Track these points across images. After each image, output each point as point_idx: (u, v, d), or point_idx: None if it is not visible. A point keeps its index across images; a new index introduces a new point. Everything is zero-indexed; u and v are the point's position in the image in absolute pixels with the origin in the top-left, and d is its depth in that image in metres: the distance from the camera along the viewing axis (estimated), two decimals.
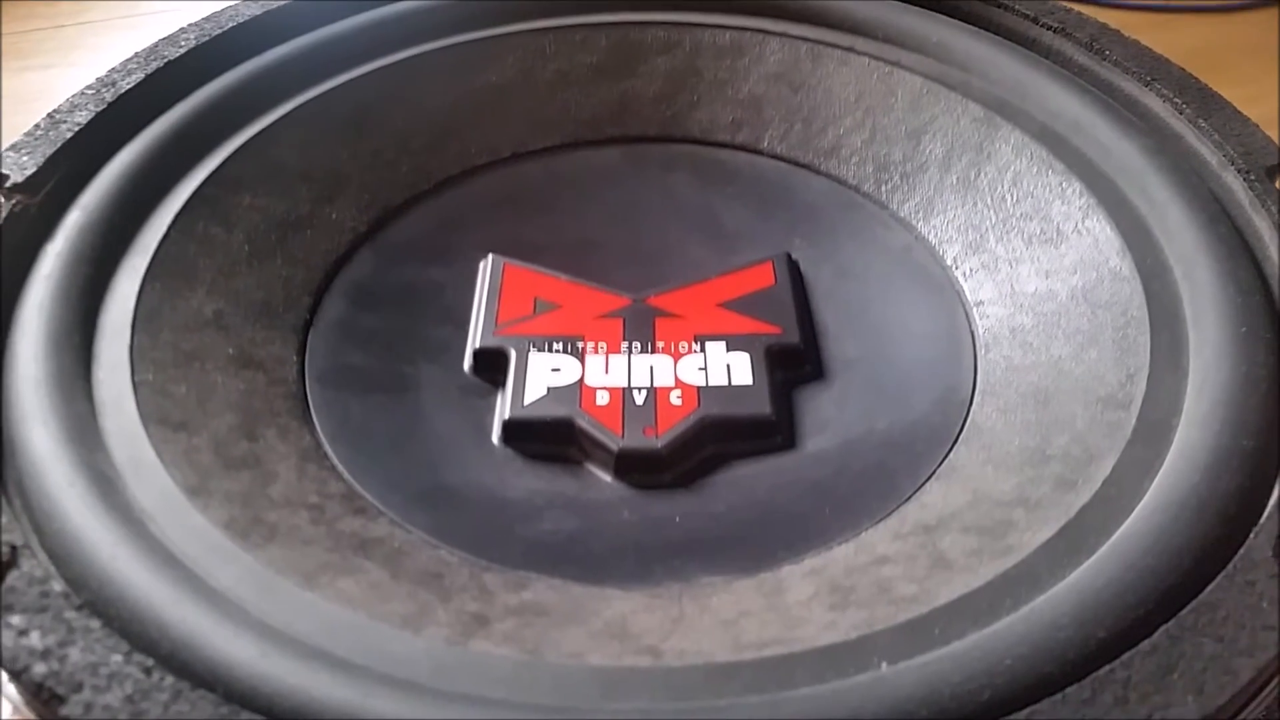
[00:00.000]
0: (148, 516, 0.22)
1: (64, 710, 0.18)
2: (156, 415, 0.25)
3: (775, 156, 0.37)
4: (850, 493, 0.27)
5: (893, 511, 0.26)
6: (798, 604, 0.23)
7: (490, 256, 0.33)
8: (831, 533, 0.26)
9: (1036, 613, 0.20)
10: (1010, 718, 0.18)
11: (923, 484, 0.27)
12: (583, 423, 0.28)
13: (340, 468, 0.27)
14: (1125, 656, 0.19)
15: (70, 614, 0.20)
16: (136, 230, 0.29)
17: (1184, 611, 0.20)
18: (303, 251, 0.32)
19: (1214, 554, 0.21)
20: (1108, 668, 0.19)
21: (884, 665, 0.20)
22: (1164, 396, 0.25)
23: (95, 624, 0.20)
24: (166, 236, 0.29)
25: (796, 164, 0.37)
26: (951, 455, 0.27)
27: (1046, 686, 0.19)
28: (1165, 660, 0.19)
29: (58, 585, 0.20)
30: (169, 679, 0.19)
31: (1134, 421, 0.25)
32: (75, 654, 0.19)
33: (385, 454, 0.28)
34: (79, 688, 0.19)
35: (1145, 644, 0.19)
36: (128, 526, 0.22)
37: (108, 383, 0.25)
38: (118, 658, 0.19)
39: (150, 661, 0.19)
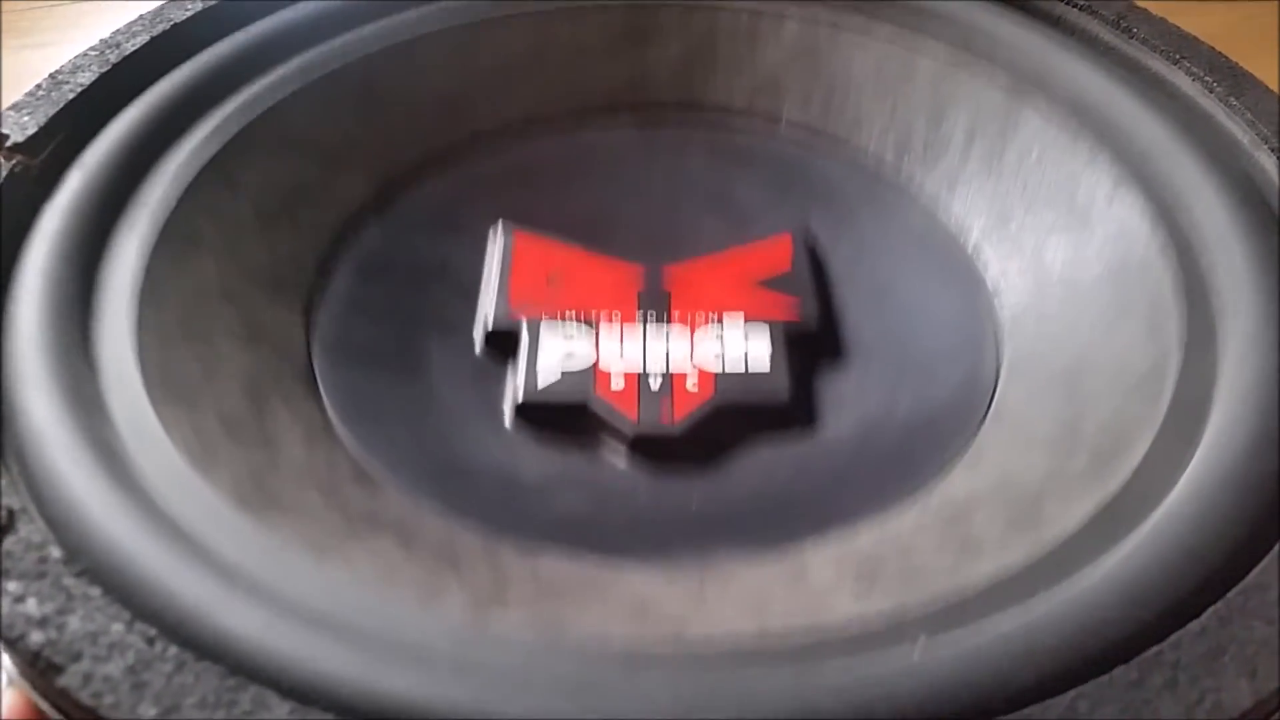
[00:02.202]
0: (151, 485, 0.21)
1: (61, 680, 0.17)
2: (160, 384, 0.24)
3: (792, 135, 0.36)
4: (873, 475, 0.26)
5: (919, 493, 0.25)
6: (823, 585, 0.22)
7: (500, 223, 0.32)
8: (855, 514, 0.25)
9: (1077, 593, 0.20)
10: (1054, 699, 0.17)
11: (949, 465, 0.26)
12: (598, 408, 0.28)
13: (349, 442, 0.26)
14: (1173, 638, 0.18)
15: (69, 581, 0.19)
16: (140, 193, 0.28)
17: (1232, 593, 0.19)
18: (310, 221, 0.31)
19: (1259, 535, 0.20)
20: (1155, 649, 0.18)
21: (918, 648, 0.19)
22: (1198, 378, 0.24)
23: (95, 591, 0.19)
24: (173, 202, 0.28)
25: (814, 143, 0.36)
26: (978, 437, 0.27)
27: (1091, 668, 0.18)
28: (1215, 642, 0.18)
29: (56, 551, 0.19)
30: (173, 649, 0.18)
31: (1168, 403, 0.24)
32: (74, 622, 0.18)
33: (394, 430, 0.27)
34: (78, 657, 0.18)
35: (1194, 625, 0.18)
36: (130, 494, 0.21)
37: (110, 349, 0.24)
38: (119, 626, 0.18)
39: (153, 631, 0.18)
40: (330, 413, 0.27)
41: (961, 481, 0.25)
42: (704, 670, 0.19)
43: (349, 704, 0.18)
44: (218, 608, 0.19)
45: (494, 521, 0.25)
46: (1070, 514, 0.22)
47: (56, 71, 0.30)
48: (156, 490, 0.21)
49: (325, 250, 0.31)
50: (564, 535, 0.25)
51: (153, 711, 0.17)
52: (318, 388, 0.27)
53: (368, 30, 0.35)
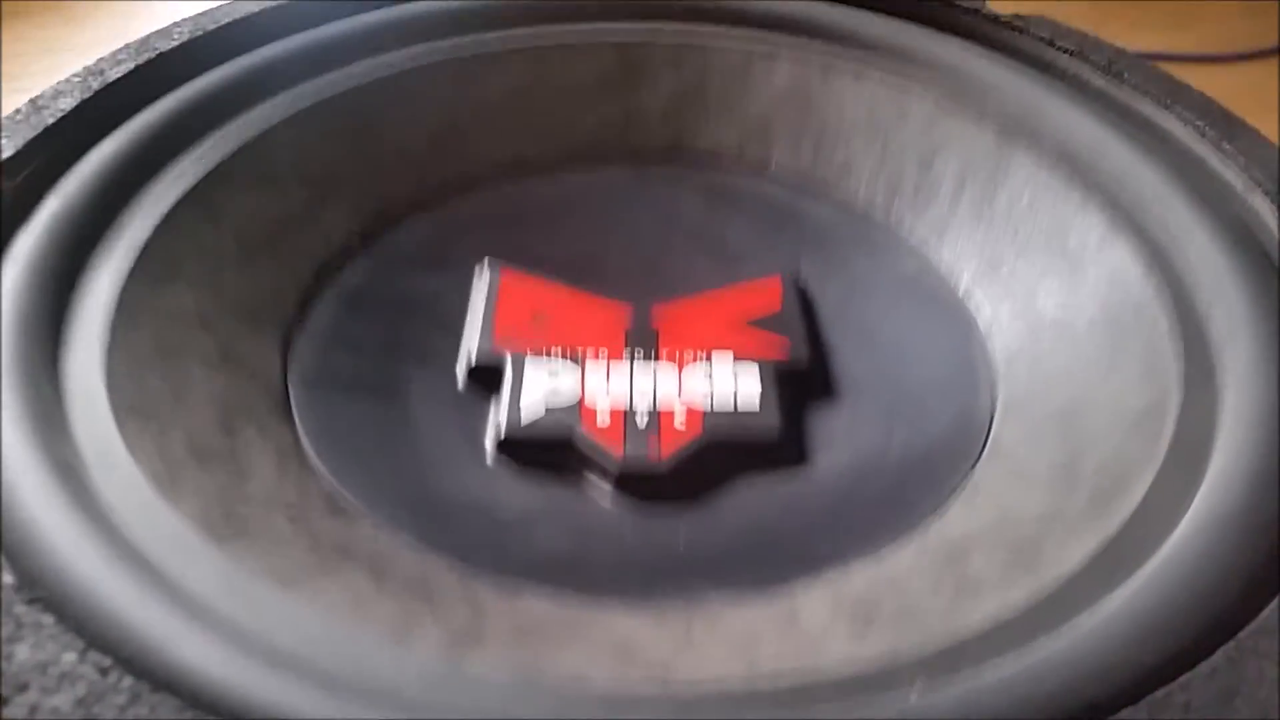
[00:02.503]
0: (112, 509, 0.20)
1: (7, 712, 0.16)
2: (127, 405, 0.23)
3: (782, 178, 0.36)
4: (866, 513, 0.25)
5: (914, 531, 0.24)
6: (815, 626, 0.21)
7: (487, 260, 0.32)
8: (848, 553, 0.24)
9: (1080, 635, 0.19)
10: None
11: (944, 504, 0.25)
12: (582, 444, 0.27)
13: (322, 469, 0.25)
14: (1183, 679, 0.17)
15: (20, 609, 0.18)
16: (118, 221, 0.28)
17: (1243, 634, 0.18)
18: (293, 254, 0.31)
19: (1266, 574, 0.20)
20: (1164, 690, 0.17)
21: (915, 692, 0.18)
22: (1197, 418, 0.24)
23: (48, 620, 0.18)
24: (152, 230, 0.28)
25: (805, 185, 0.36)
26: (974, 474, 0.26)
27: (1096, 713, 0.17)
28: (1227, 683, 0.17)
29: (8, 578, 0.18)
30: (127, 681, 0.17)
31: (1167, 443, 0.23)
32: (23, 651, 0.17)
33: (371, 460, 0.26)
34: (24, 688, 0.17)
35: (1203, 666, 0.18)
36: (89, 518, 0.20)
37: (77, 369, 0.23)
38: (71, 656, 0.17)
39: (108, 662, 0.17)
40: (305, 442, 0.26)
41: (957, 521, 0.24)
42: (690, 713, 0.18)
43: None
44: (178, 639, 0.18)
45: (472, 558, 0.24)
46: (1070, 554, 0.21)
47: (37, 97, 0.30)
48: (118, 515, 0.20)
49: (308, 283, 0.31)
50: (545, 573, 0.24)
51: None
52: (293, 417, 0.26)
53: (358, 67, 0.35)
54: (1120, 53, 0.34)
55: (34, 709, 0.16)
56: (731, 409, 0.28)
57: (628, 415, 0.27)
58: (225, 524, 0.21)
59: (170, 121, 0.31)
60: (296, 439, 0.26)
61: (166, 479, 0.22)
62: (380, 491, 0.25)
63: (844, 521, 0.25)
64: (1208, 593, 0.19)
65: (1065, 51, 0.35)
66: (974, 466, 0.26)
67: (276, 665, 0.18)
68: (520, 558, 0.24)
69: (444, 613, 0.22)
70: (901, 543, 0.24)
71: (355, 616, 0.21)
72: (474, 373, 0.29)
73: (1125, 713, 0.17)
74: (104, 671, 0.17)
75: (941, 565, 0.23)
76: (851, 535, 0.25)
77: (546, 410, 0.27)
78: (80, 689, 0.17)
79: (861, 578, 0.23)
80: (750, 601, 0.23)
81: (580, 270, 0.32)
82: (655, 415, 0.28)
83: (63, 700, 0.16)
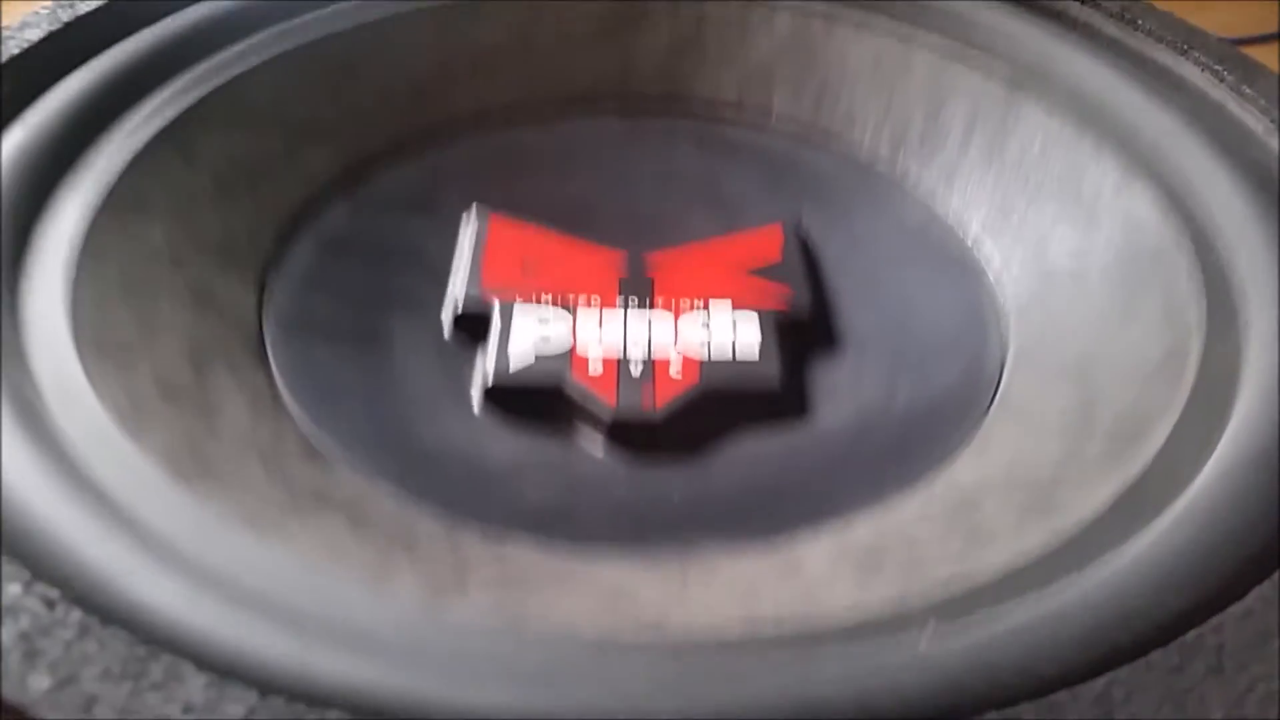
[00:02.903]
0: (71, 443, 0.19)
1: None
2: (91, 339, 0.22)
3: (783, 128, 0.35)
4: (871, 464, 0.24)
5: (921, 481, 0.23)
6: (818, 575, 0.20)
7: (475, 207, 0.30)
8: (852, 503, 0.23)
9: (1103, 579, 0.18)
10: (1084, 686, 0.15)
11: (952, 454, 0.24)
12: (573, 392, 0.25)
13: (298, 412, 0.24)
14: (1214, 621, 0.16)
15: None
16: (87, 156, 0.27)
17: (1278, 574, 0.17)
18: (271, 195, 0.29)
19: None
20: (1195, 632, 0.16)
21: (926, 635, 0.17)
22: (1220, 364, 0.23)
23: None
24: (124, 165, 0.26)
25: (806, 135, 0.34)
26: (984, 425, 0.25)
27: (1123, 655, 0.16)
28: (1262, 625, 0.16)
29: None
30: (75, 614, 0.15)
31: (1189, 389, 0.22)
32: None
33: (350, 406, 0.25)
34: None
35: (1236, 609, 0.16)
36: (45, 450, 0.18)
37: (40, 305, 0.22)
38: (15, 588, 0.16)
39: (55, 594, 0.16)
40: (280, 384, 0.24)
41: (967, 470, 0.23)
42: (686, 659, 0.17)
43: (275, 681, 0.15)
44: (134, 575, 0.16)
45: (456, 506, 0.23)
46: (1089, 500, 0.20)
47: (3, 28, 0.28)
48: (76, 449, 0.19)
49: (286, 225, 0.29)
50: (533, 523, 0.22)
51: (46, 682, 0.14)
52: (268, 359, 0.25)
53: (345, 5, 0.33)
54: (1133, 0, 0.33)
55: None
56: (730, 358, 0.27)
57: (621, 363, 0.26)
58: (192, 462, 0.20)
59: (144, 58, 0.30)
60: (271, 381, 0.24)
61: (131, 415, 0.20)
62: (359, 438, 0.24)
63: (847, 472, 0.24)
64: (1236, 535, 0.18)
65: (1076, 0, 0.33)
66: (984, 417, 0.25)
67: (240, 604, 0.16)
68: (507, 507, 0.23)
69: (425, 560, 0.21)
70: (908, 493, 0.23)
71: (331, 562, 0.19)
72: (460, 320, 0.28)
73: (1155, 655, 0.16)
74: (50, 604, 0.16)
75: (951, 514, 0.21)
76: (855, 486, 0.23)
77: (536, 358, 0.26)
78: (24, 622, 0.15)
79: (866, 527, 0.22)
80: (749, 551, 0.21)
81: (572, 218, 0.31)
82: (650, 364, 0.26)
83: (4, 634, 0.15)
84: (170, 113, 0.29)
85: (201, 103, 0.29)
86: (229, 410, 0.22)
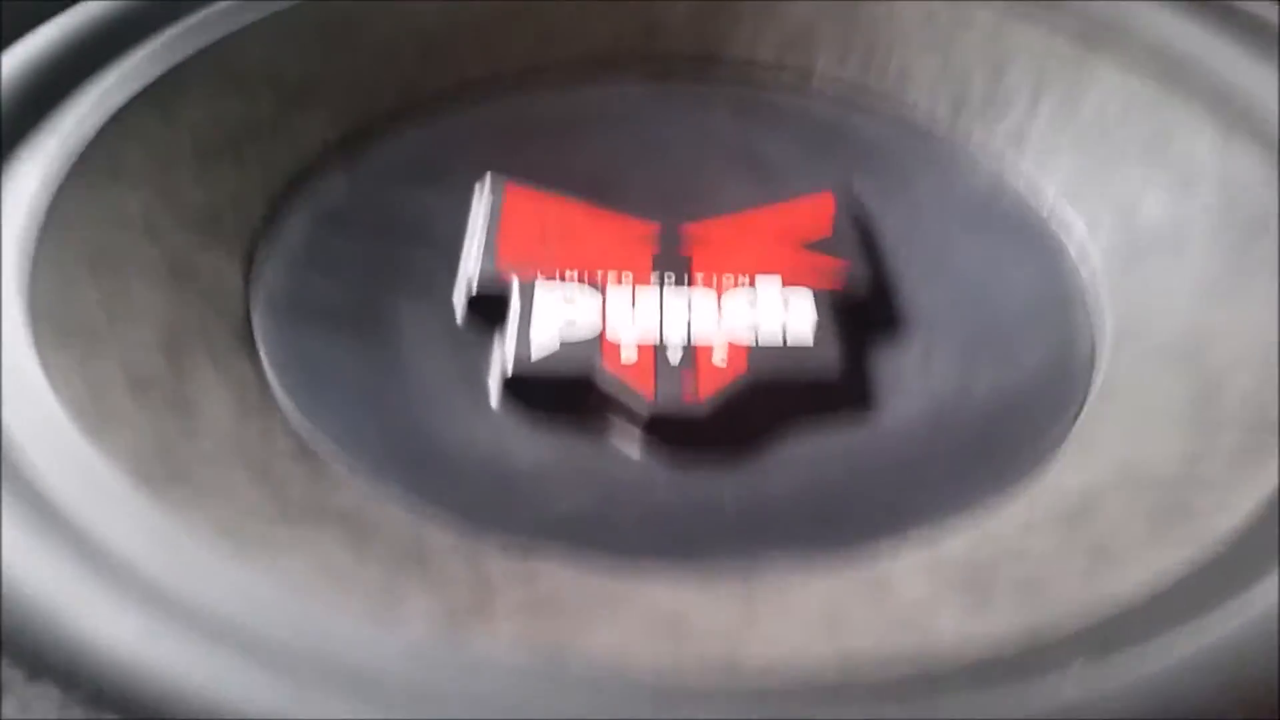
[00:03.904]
0: (17, 445, 0.16)
1: None
2: (50, 320, 0.18)
3: (828, 90, 0.31)
4: (953, 464, 0.21)
5: (1017, 485, 0.20)
6: (915, 599, 0.17)
7: (489, 176, 0.27)
8: (938, 510, 0.20)
9: (1257, 609, 0.14)
10: None
11: (1051, 453, 0.21)
12: (605, 384, 0.22)
13: (290, 407, 0.21)
14: None
15: None
16: (53, 117, 0.23)
17: None
18: (261, 158, 0.26)
19: None
20: None
21: (1072, 678, 0.13)
22: None
23: None
24: (95, 129, 0.23)
25: (854, 99, 0.31)
26: (1082, 420, 0.21)
27: None
28: None
29: None
30: None
31: None
32: None
33: (351, 400, 0.22)
34: None
35: None
36: None
37: None
38: None
39: None
40: (270, 375, 0.21)
41: (1071, 473, 0.20)
42: (769, 709, 0.14)
43: None
44: (79, 606, 0.13)
45: (475, 516, 0.19)
46: (1232, 502, 0.17)
47: None
48: (22, 450, 0.16)
49: (278, 196, 0.26)
50: (565, 536, 0.19)
51: None
52: (255, 345, 0.22)
53: None
54: None
55: None
56: (781, 343, 0.23)
57: (658, 350, 0.23)
58: (162, 467, 0.17)
59: (122, 13, 0.27)
60: (260, 372, 0.21)
61: (91, 410, 0.17)
62: (362, 436, 0.21)
63: (927, 473, 0.21)
64: None
65: None
66: (1081, 409, 0.22)
67: (216, 640, 0.13)
68: (534, 517, 0.20)
69: (440, 582, 0.18)
70: (1004, 499, 0.20)
71: (327, 585, 0.16)
72: (475, 302, 0.24)
73: None
74: None
75: (1063, 525, 0.18)
76: (939, 489, 0.20)
77: (561, 344, 0.23)
78: None
79: (961, 539, 0.19)
80: (823, 567, 0.18)
81: (596, 188, 0.28)
82: (691, 350, 0.23)
83: None
84: (152, 71, 0.26)
85: (187, 61, 0.26)
86: (208, 406, 0.19)
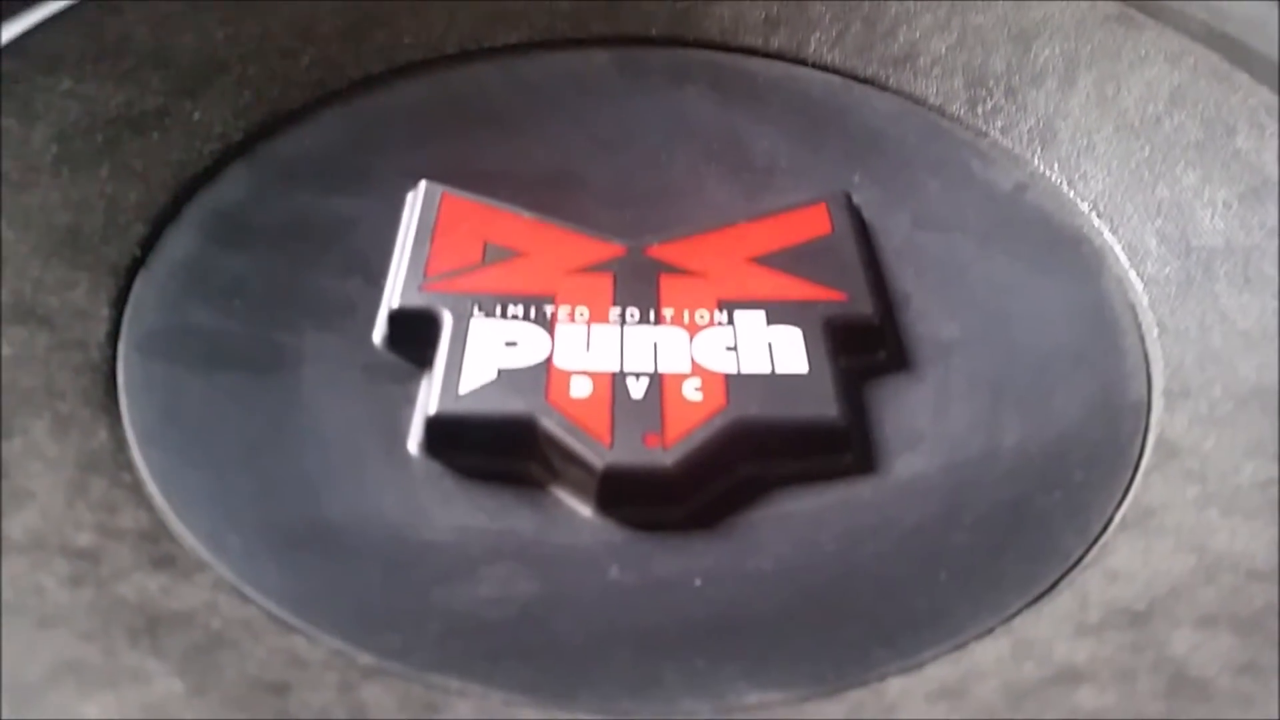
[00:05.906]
0: None
1: None
2: None
3: (824, 67, 0.28)
4: (978, 548, 0.17)
5: (1061, 583, 0.16)
6: None
7: (423, 185, 0.23)
8: (961, 618, 0.15)
9: None
10: None
11: (1102, 535, 0.16)
12: (549, 424, 0.18)
13: (150, 484, 0.16)
14: None
15: None
16: None
17: None
18: (143, 161, 0.22)
19: None
20: None
21: None
22: None
23: None
24: None
25: (854, 77, 0.27)
26: (1139, 488, 0.17)
27: None
28: None
29: None
30: None
31: None
32: None
33: (231, 466, 0.18)
34: None
35: None
36: None
37: None
38: None
39: None
40: (130, 436, 0.17)
41: (1131, 563, 0.16)
42: None
43: None
44: None
45: (367, 629, 0.15)
46: None
47: None
48: None
49: (163, 203, 0.22)
50: (485, 652, 0.15)
51: None
52: (117, 398, 0.18)
53: None
54: None
55: None
56: (767, 371, 0.19)
57: (617, 380, 0.19)
58: None
59: None
60: (118, 437, 0.17)
61: None
62: (236, 522, 0.17)
63: (943, 566, 0.17)
64: None
65: None
66: (1134, 474, 0.18)
67: None
68: (446, 631, 0.16)
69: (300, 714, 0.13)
70: (1045, 606, 0.15)
71: None
72: (396, 322, 0.20)
73: None
74: None
75: (1124, 647, 0.14)
76: (960, 591, 0.16)
77: (499, 373, 0.19)
78: None
79: (992, 666, 0.14)
80: (814, 708, 0.14)
81: (551, 193, 0.24)
82: (657, 379, 0.19)
83: None
84: (6, 55, 0.22)
85: (50, 40, 0.23)
86: (41, 487, 0.15)
